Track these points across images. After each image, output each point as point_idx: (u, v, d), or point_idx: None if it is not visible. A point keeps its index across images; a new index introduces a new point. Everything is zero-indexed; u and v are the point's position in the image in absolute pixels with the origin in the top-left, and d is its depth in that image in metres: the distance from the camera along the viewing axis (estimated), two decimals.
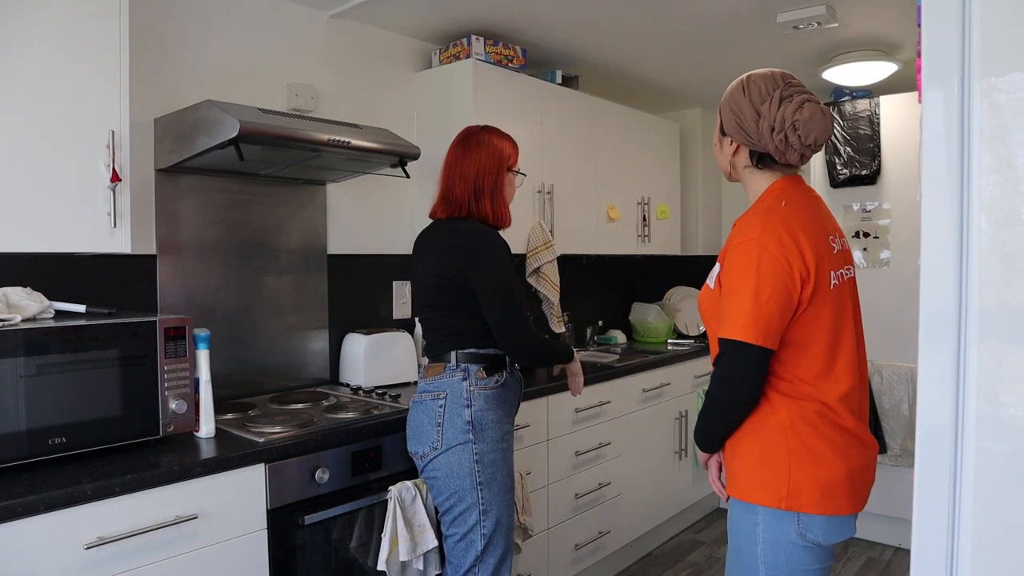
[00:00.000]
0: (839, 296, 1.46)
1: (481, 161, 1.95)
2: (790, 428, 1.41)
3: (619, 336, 4.00)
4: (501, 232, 1.99)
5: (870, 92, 3.62)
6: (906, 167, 3.36)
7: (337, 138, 2.07)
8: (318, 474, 1.91)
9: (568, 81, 3.32)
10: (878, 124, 3.43)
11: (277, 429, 1.95)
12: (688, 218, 4.37)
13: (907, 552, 0.87)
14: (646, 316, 4.05)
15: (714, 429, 1.53)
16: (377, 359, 2.61)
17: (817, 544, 1.42)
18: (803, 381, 1.43)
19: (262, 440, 1.85)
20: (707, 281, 1.55)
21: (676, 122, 4.20)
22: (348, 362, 2.65)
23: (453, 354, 1.91)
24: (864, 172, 3.44)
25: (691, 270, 4.61)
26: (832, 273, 1.45)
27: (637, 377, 3.21)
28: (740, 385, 1.42)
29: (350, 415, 2.12)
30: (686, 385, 3.60)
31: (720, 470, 1.63)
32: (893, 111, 3.41)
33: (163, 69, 2.23)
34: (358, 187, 2.75)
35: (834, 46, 3.17)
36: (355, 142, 2.11)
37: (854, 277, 1.55)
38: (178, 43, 2.27)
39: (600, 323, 3.94)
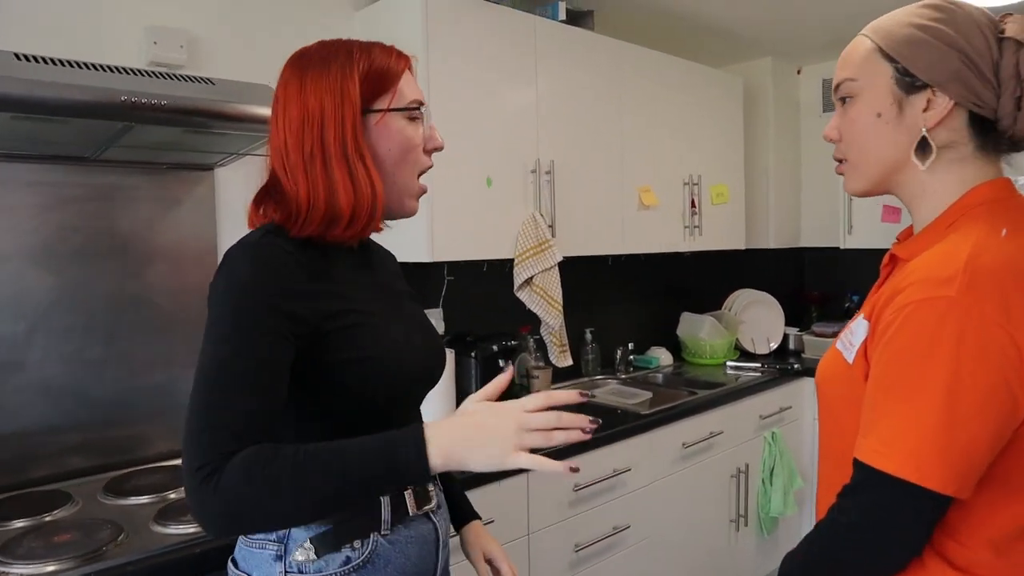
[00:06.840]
0: None
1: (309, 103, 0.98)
2: None
3: (663, 356, 3.10)
4: (389, 224, 1.08)
5: None
6: None
7: (137, 99, 1.28)
8: None
9: (577, 18, 2.42)
10: None
11: (44, 570, 1.20)
12: (755, 202, 3.38)
13: None
14: (698, 330, 3.13)
15: None
16: None
17: None
18: (990, 545, 0.83)
19: None
20: (838, 345, 0.97)
21: (738, 76, 3.22)
22: None
23: None
24: None
25: (759, 268, 3.63)
26: None
27: (673, 428, 2.32)
28: (889, 546, 0.82)
29: (189, 530, 1.35)
30: (747, 430, 2.67)
31: None
32: None
33: None
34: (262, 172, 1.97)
35: None
36: (170, 103, 1.32)
37: None
38: None
39: (631, 345, 3.02)
